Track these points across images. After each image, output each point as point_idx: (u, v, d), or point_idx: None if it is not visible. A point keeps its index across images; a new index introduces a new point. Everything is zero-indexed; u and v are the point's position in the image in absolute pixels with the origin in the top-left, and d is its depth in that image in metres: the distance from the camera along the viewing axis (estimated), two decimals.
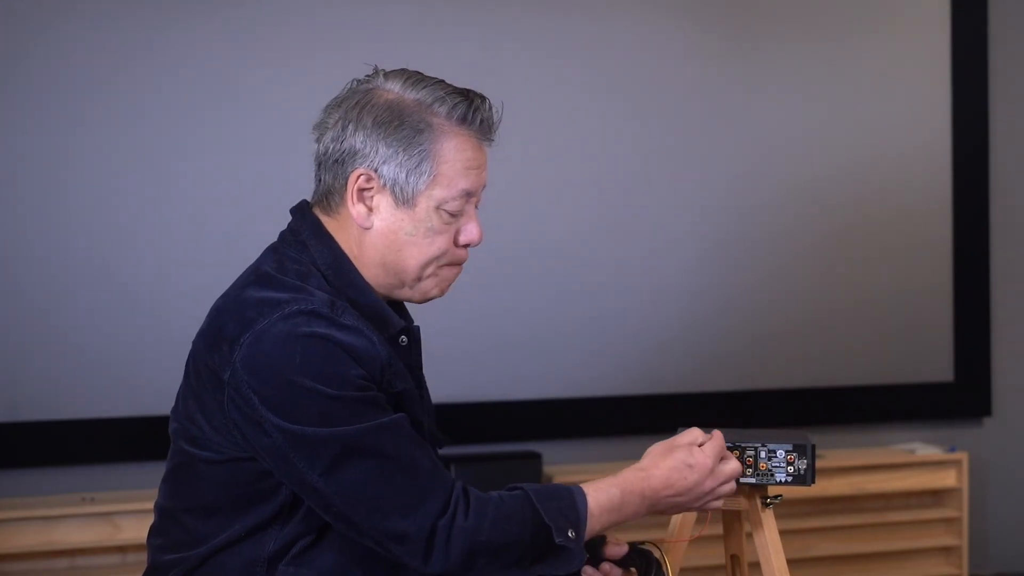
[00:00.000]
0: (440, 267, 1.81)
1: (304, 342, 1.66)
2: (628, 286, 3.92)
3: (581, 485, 1.76)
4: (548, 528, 1.68)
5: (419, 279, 1.81)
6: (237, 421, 1.69)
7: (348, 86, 1.83)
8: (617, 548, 1.89)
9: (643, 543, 1.90)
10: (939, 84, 4.21)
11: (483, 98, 1.81)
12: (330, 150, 1.79)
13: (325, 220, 1.82)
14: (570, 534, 1.70)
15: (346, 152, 1.77)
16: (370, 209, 1.78)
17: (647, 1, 3.95)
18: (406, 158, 1.75)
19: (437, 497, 1.66)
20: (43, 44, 3.45)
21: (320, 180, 1.82)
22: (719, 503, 1.84)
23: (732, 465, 1.83)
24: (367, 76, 1.82)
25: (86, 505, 3.40)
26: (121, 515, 3.38)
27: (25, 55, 3.45)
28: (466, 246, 1.82)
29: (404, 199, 1.76)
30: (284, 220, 1.88)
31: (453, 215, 1.78)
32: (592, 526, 1.73)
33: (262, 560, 1.73)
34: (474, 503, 1.68)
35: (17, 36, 3.44)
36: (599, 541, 1.89)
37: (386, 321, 1.80)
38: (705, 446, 1.82)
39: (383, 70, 1.81)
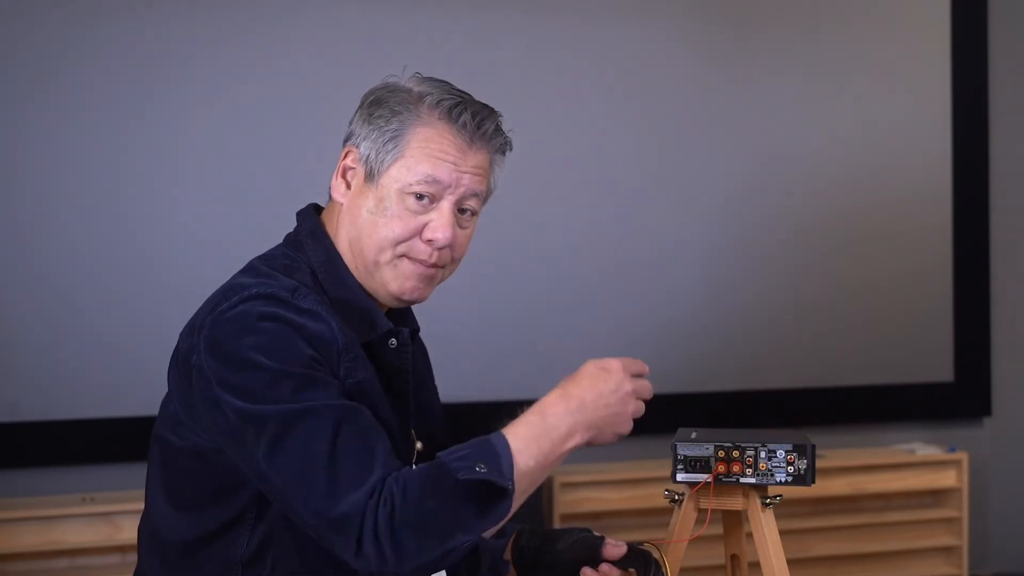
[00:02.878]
0: (399, 257, 1.78)
1: (258, 322, 1.67)
2: (628, 287, 3.93)
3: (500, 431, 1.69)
4: (449, 470, 1.60)
5: (376, 264, 1.78)
6: (201, 404, 1.70)
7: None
8: (616, 549, 1.88)
9: (642, 543, 1.90)
10: (939, 84, 4.21)
11: (481, 104, 1.80)
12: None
13: (326, 207, 1.86)
14: (479, 468, 1.60)
15: (346, 136, 1.83)
16: (348, 186, 1.81)
17: (651, 5, 3.95)
18: (378, 135, 1.78)
19: (369, 484, 1.60)
20: (42, 45, 3.45)
21: None
22: (639, 407, 1.75)
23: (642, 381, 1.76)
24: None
25: (86, 505, 3.40)
26: (121, 515, 3.38)
27: (24, 55, 3.45)
28: (429, 242, 1.77)
29: (370, 175, 1.78)
30: (290, 222, 1.90)
31: (419, 200, 1.76)
32: (521, 460, 1.64)
33: (236, 563, 1.73)
34: (387, 488, 1.60)
35: (18, 37, 3.44)
36: (598, 542, 1.89)
37: (373, 322, 1.80)
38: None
39: (418, 74, 1.83)
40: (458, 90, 1.81)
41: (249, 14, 3.62)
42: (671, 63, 3.98)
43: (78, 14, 3.48)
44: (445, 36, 3.74)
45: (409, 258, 1.78)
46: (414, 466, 1.84)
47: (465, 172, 1.78)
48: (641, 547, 1.89)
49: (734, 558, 2.02)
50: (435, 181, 1.76)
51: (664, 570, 1.86)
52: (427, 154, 1.76)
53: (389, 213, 1.77)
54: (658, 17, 3.96)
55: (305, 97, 3.59)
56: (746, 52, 4.04)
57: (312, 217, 1.85)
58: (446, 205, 1.78)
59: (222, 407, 1.67)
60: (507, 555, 1.94)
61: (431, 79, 1.82)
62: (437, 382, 2.02)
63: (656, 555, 1.87)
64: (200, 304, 1.82)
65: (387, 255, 1.78)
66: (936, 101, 4.21)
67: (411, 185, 1.76)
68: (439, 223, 1.77)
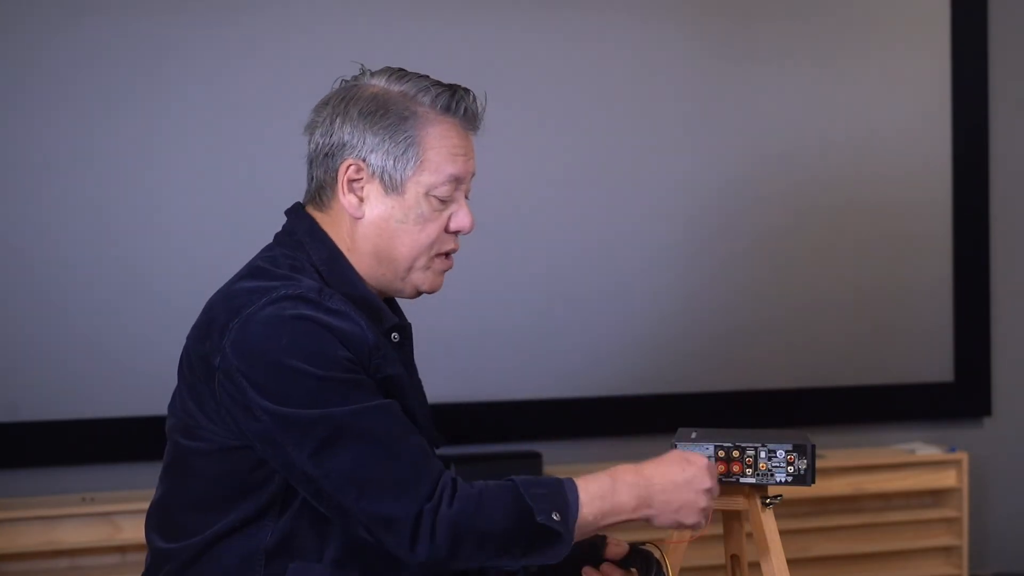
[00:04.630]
0: (431, 258, 1.83)
1: (291, 324, 1.68)
2: (627, 285, 3.92)
3: (573, 478, 1.75)
4: (530, 509, 1.66)
5: (410, 269, 1.83)
6: (228, 407, 1.70)
7: (335, 84, 1.88)
8: (617, 548, 1.89)
9: (643, 543, 1.90)
10: (939, 83, 4.21)
11: (466, 90, 1.85)
12: (320, 145, 1.83)
13: (319, 217, 1.85)
14: (554, 516, 1.67)
15: (335, 145, 1.82)
16: (361, 199, 1.82)
17: (649, 5, 3.94)
18: (392, 145, 1.79)
19: (425, 483, 1.65)
20: (43, 47, 3.45)
21: (312, 177, 1.86)
22: (700, 517, 1.78)
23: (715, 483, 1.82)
24: (354, 75, 1.87)
25: (86, 505, 3.40)
26: (121, 515, 3.38)
27: (27, 58, 3.45)
28: (456, 233, 1.84)
29: (393, 186, 1.80)
30: (283, 220, 1.89)
31: (443, 201, 1.81)
32: (584, 515, 1.70)
33: (259, 552, 1.73)
34: (460, 490, 1.67)
35: (22, 40, 3.44)
36: (600, 542, 1.89)
37: (379, 315, 1.81)
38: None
39: (368, 69, 1.86)
40: (438, 80, 1.84)
41: (242, 14, 3.61)
42: (666, 66, 3.97)
43: (65, 13, 3.47)
44: (438, 35, 3.74)
45: (438, 255, 1.84)
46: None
47: (470, 159, 1.84)
48: (642, 547, 1.89)
49: (734, 558, 2.02)
50: (457, 179, 1.81)
51: (665, 570, 1.86)
52: (447, 154, 1.80)
53: (422, 219, 1.80)
54: (656, 19, 3.95)
55: (298, 99, 3.57)
56: (743, 52, 4.03)
57: (307, 216, 1.85)
58: (460, 196, 1.84)
59: (254, 411, 1.67)
60: None
61: (402, 73, 1.84)
62: (432, 382, 2.04)
63: (657, 555, 1.88)
64: (201, 303, 1.82)
65: (423, 259, 1.82)
66: (936, 101, 4.21)
67: (437, 188, 1.80)
68: (464, 214, 1.84)
